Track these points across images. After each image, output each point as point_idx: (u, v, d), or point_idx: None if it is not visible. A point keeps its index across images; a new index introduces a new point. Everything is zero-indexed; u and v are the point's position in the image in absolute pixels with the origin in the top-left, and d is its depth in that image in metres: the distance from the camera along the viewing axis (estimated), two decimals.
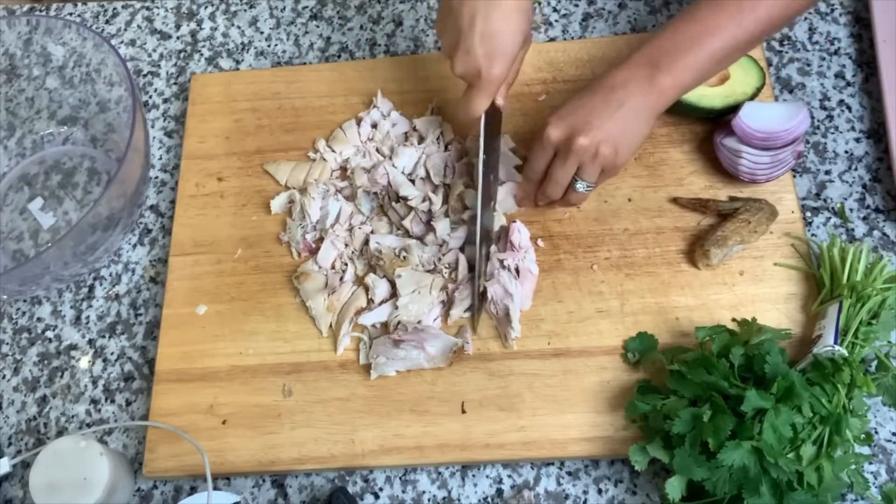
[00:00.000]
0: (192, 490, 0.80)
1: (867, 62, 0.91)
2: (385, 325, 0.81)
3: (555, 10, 0.99)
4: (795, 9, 0.75)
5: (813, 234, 0.83)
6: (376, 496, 0.78)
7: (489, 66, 0.73)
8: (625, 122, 0.74)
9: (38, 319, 0.90)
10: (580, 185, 0.77)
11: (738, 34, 0.73)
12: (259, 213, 0.90)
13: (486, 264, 0.80)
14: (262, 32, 1.04)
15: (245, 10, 1.06)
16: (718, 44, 0.73)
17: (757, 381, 0.69)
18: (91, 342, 0.88)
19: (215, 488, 0.77)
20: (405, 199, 0.84)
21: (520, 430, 0.76)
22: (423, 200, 0.84)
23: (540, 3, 0.95)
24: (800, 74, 0.91)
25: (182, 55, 1.04)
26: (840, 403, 0.67)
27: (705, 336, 0.73)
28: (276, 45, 1.02)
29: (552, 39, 0.97)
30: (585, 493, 0.76)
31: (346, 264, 0.84)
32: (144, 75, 1.03)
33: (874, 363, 0.74)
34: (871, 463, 0.74)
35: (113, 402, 0.85)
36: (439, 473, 0.78)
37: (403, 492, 0.77)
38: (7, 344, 0.89)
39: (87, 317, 0.89)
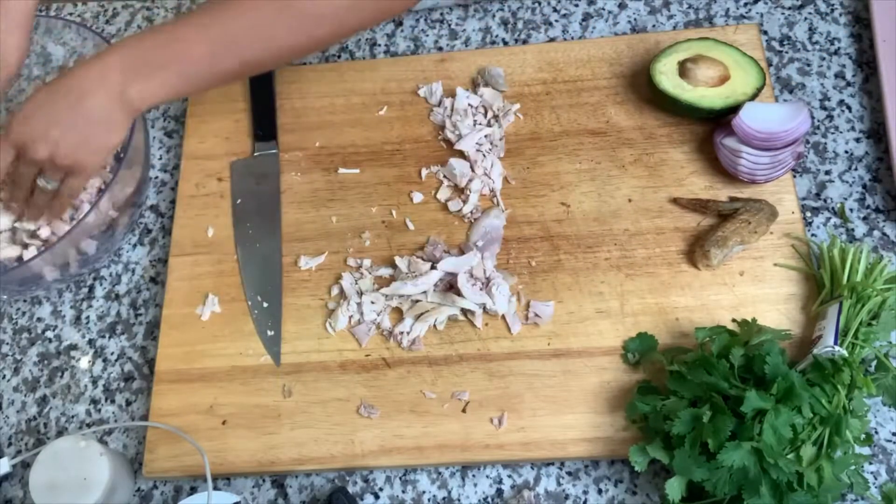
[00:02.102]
0: (192, 490, 0.80)
1: (867, 62, 0.91)
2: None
3: (555, 10, 0.99)
4: (293, 43, 0.73)
5: (813, 235, 0.83)
6: (376, 496, 0.78)
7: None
8: (89, 132, 0.72)
9: (38, 319, 0.90)
10: (41, 180, 0.76)
11: (215, 63, 0.72)
12: None
13: None
14: None
15: None
16: (193, 69, 0.72)
17: (757, 382, 0.69)
18: (91, 342, 0.88)
19: (215, 488, 0.77)
20: None
21: (520, 431, 0.76)
22: None
23: None
24: (800, 74, 0.91)
25: None
26: (840, 404, 0.67)
27: (705, 337, 0.73)
28: None
29: (552, 39, 0.97)
30: (585, 493, 0.76)
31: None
32: None
33: (874, 363, 0.74)
34: (871, 463, 0.74)
35: (113, 402, 0.85)
36: (439, 473, 0.78)
37: (403, 492, 0.78)
38: (7, 344, 0.89)
39: (87, 317, 0.89)
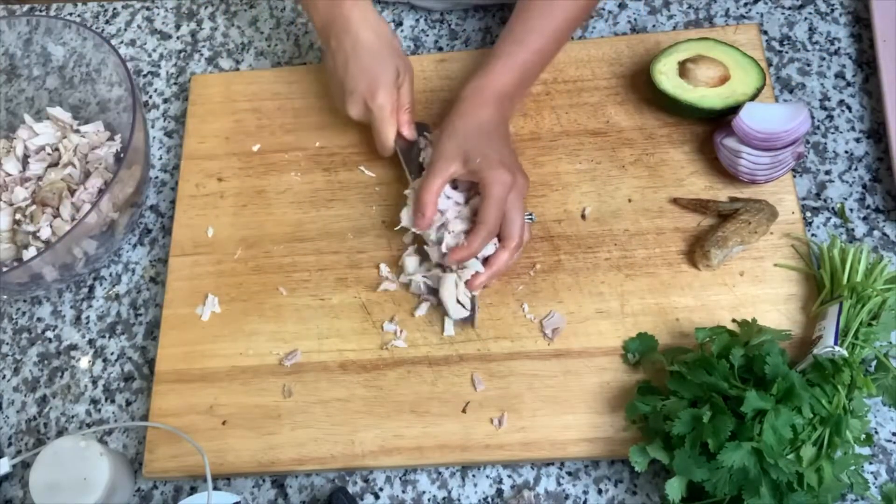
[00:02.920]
0: (192, 490, 0.80)
1: (867, 62, 0.91)
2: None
3: None
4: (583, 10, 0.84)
5: (813, 235, 0.83)
6: (376, 496, 0.78)
7: (372, 97, 0.82)
8: (513, 156, 0.82)
9: (38, 319, 0.90)
10: (527, 215, 0.81)
11: (546, 62, 0.86)
12: (259, 213, 0.90)
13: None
14: (262, 32, 1.04)
15: (245, 10, 1.06)
16: (536, 78, 0.87)
17: (757, 382, 0.69)
18: (91, 342, 0.88)
19: (215, 488, 0.78)
20: None
21: (520, 431, 0.76)
22: None
23: None
24: (800, 74, 0.91)
25: (182, 55, 1.04)
26: (840, 404, 0.67)
27: (705, 337, 0.73)
28: (276, 45, 1.02)
29: None
30: (585, 493, 0.76)
31: None
32: (144, 75, 1.03)
33: (874, 364, 0.74)
34: (871, 463, 0.74)
35: (113, 402, 0.85)
36: (439, 473, 0.78)
37: (403, 492, 0.78)
38: (7, 344, 0.89)
39: (87, 317, 0.89)
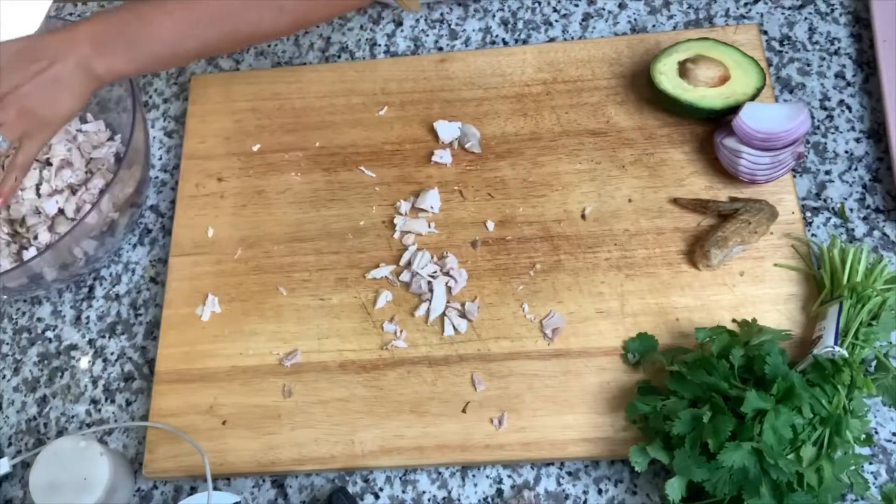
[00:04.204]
0: (192, 490, 0.80)
1: (867, 62, 0.91)
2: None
3: (555, 10, 0.99)
4: (254, 27, 0.76)
5: (813, 235, 0.83)
6: (376, 496, 0.78)
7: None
8: (56, 95, 0.74)
9: (38, 319, 0.90)
10: None
11: (178, 44, 0.76)
12: (259, 213, 0.90)
13: None
14: None
15: None
16: (157, 48, 0.75)
17: (757, 382, 0.69)
18: (91, 342, 0.88)
19: (215, 488, 0.78)
20: None
21: (520, 431, 0.76)
22: None
23: None
24: (800, 74, 0.91)
25: None
26: (840, 404, 0.67)
27: (705, 337, 0.73)
28: (276, 45, 1.02)
29: (552, 39, 0.97)
30: (585, 493, 0.76)
31: None
32: (144, 75, 1.03)
33: (874, 364, 0.74)
34: (871, 463, 0.74)
35: (113, 402, 0.85)
36: (439, 473, 0.78)
37: (403, 492, 0.78)
38: (7, 344, 0.89)
39: (87, 317, 0.89)
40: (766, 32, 0.94)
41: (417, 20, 1.01)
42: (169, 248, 0.89)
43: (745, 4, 0.96)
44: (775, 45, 0.93)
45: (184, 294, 0.86)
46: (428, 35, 1.00)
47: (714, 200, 0.83)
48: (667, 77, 0.85)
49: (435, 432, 0.77)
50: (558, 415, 0.76)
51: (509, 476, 0.77)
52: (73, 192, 0.89)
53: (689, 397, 0.70)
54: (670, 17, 0.96)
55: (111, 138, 0.94)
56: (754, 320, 0.74)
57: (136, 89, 0.84)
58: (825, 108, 0.89)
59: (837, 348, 0.69)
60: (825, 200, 0.85)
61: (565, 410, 0.76)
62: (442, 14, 1.01)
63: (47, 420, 0.85)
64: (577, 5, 0.99)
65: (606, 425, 0.75)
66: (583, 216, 0.84)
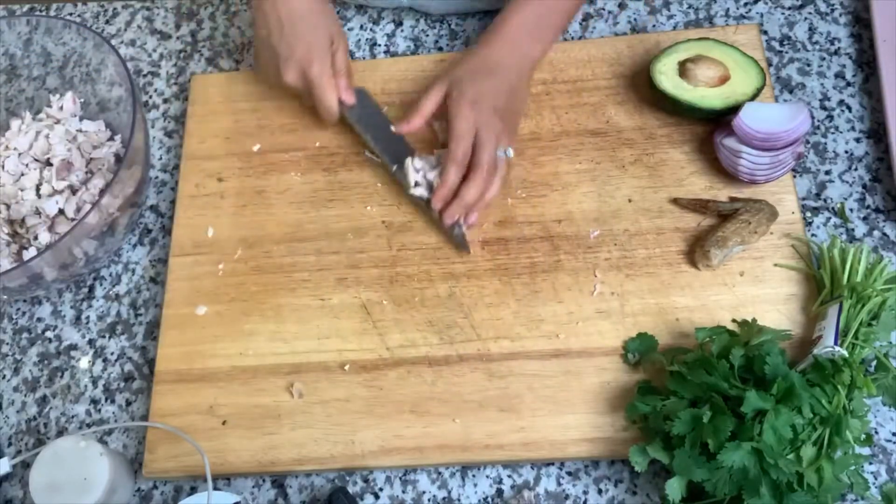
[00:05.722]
0: (192, 490, 0.80)
1: (867, 62, 0.91)
2: None
3: None
4: None
5: (813, 235, 0.83)
6: (376, 496, 0.78)
7: (309, 64, 0.84)
8: (519, 101, 0.87)
9: (38, 319, 0.90)
10: (500, 151, 0.82)
11: (566, 23, 0.90)
12: (259, 214, 0.90)
13: None
14: None
15: (245, 10, 1.06)
16: (559, 30, 0.89)
17: (757, 382, 0.69)
18: (91, 342, 0.88)
19: (215, 488, 0.78)
20: None
21: (520, 431, 0.76)
22: None
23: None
24: (800, 74, 0.91)
25: (182, 55, 1.04)
26: (840, 404, 0.67)
27: (705, 337, 0.73)
28: None
29: None
30: (585, 493, 0.76)
31: None
32: (144, 75, 1.03)
33: (874, 364, 0.74)
34: (871, 463, 0.74)
35: (113, 402, 0.85)
36: (439, 473, 0.78)
37: (403, 492, 0.78)
38: (7, 344, 0.89)
39: (87, 317, 0.89)
40: (766, 32, 0.94)
41: (417, 20, 1.01)
42: (169, 248, 0.89)
43: (745, 4, 0.96)
44: (775, 45, 0.93)
45: (184, 294, 0.86)
46: (428, 35, 1.00)
47: (714, 200, 0.83)
48: (667, 77, 0.85)
49: (435, 432, 0.77)
50: (558, 415, 0.76)
51: (509, 476, 0.77)
52: (73, 192, 0.89)
53: (689, 397, 0.70)
54: (670, 17, 0.96)
55: (111, 138, 0.94)
56: (754, 320, 0.74)
57: (136, 89, 0.84)
58: (825, 108, 0.89)
59: (837, 348, 0.69)
60: (825, 200, 0.85)
61: (565, 410, 0.76)
62: (442, 15, 1.01)
63: (47, 420, 0.85)
64: None
65: (606, 425, 0.75)
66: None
